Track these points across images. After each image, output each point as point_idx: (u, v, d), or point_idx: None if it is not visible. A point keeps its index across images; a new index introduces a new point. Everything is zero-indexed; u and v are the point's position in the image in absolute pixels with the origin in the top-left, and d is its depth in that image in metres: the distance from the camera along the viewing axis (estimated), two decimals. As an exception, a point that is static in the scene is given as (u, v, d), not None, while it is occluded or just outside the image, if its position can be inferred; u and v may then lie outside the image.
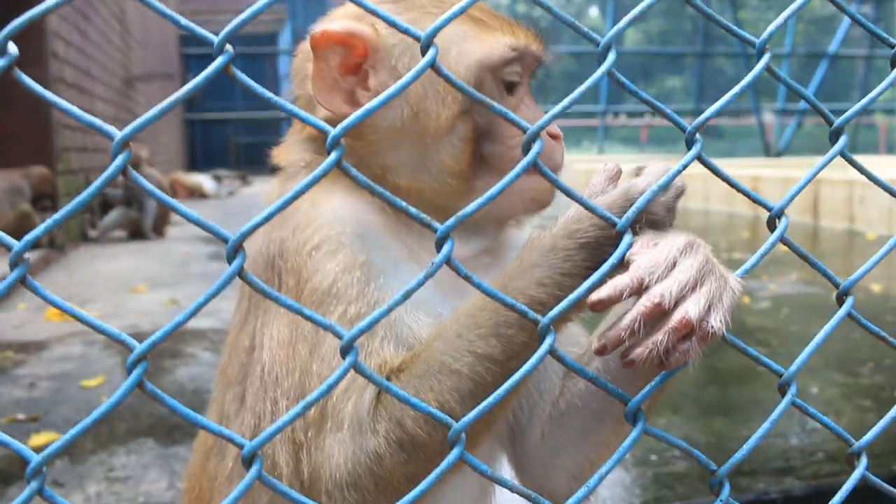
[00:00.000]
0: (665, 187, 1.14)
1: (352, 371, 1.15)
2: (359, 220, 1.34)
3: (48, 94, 0.95)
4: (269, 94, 1.00)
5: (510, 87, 1.42)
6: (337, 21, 1.39)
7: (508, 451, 1.51)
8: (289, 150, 1.53)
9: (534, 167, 1.05)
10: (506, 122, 1.30)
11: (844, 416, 3.54)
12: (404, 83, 1.02)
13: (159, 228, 10.96)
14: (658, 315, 1.06)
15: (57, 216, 0.93)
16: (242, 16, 1.02)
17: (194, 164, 27.70)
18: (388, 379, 1.18)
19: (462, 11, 1.09)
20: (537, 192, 1.41)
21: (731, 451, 3.48)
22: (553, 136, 1.42)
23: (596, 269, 1.08)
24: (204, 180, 18.58)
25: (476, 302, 1.17)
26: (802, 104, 32.43)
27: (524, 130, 1.07)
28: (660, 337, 1.05)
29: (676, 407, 3.71)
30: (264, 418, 1.32)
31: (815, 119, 37.79)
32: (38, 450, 2.58)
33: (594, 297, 1.06)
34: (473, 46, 1.38)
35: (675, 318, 1.05)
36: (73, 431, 1.00)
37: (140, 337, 3.00)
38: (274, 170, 1.58)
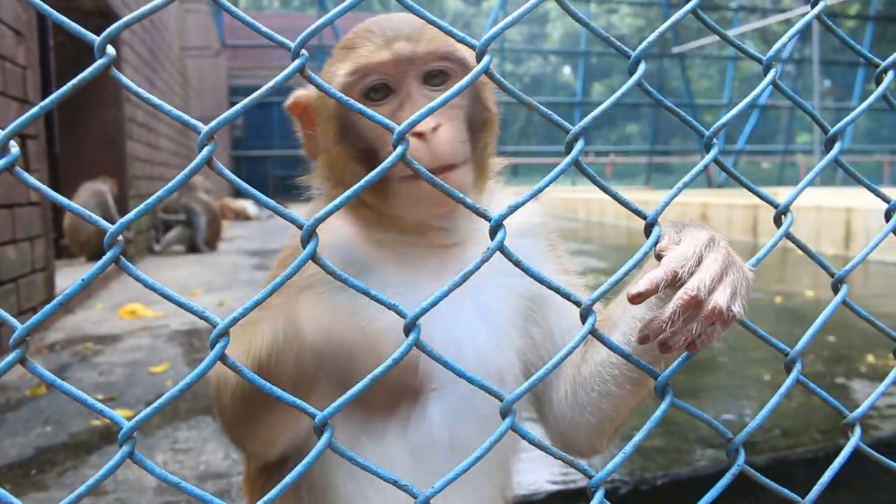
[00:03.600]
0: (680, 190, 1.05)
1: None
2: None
3: (160, 102, 0.86)
4: (376, 114, 0.91)
5: (377, 99, 1.28)
6: (299, 91, 1.40)
7: (536, 408, 1.44)
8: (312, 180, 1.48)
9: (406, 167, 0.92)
10: (377, 139, 1.24)
11: (794, 399, 3.45)
12: (450, 95, 0.92)
13: (212, 243, 10.85)
14: (693, 305, 0.98)
15: (149, 201, 0.84)
16: (319, 22, 0.93)
17: (239, 193, 27.58)
18: None
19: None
20: (422, 197, 1.25)
21: (702, 428, 3.36)
22: (418, 135, 1.20)
23: None
24: (247, 205, 18.50)
25: None
26: (737, 146, 32.57)
27: (391, 130, 0.92)
28: (694, 325, 0.99)
29: (652, 391, 3.64)
30: None
31: (748, 158, 37.94)
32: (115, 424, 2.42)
33: (633, 291, 1.00)
34: (333, 75, 1.30)
35: (708, 308, 0.99)
36: (161, 400, 0.90)
37: (200, 332, 2.90)
38: (304, 198, 1.54)
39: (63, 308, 5.78)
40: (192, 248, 10.65)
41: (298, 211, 1.41)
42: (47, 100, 0.85)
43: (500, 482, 1.45)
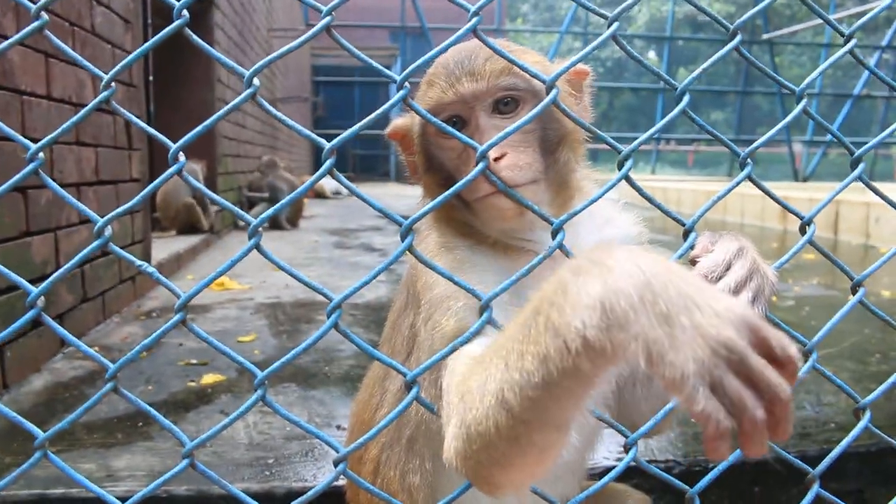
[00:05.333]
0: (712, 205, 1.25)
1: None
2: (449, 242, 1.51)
3: (275, 112, 1.11)
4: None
5: (456, 129, 1.41)
6: (397, 119, 1.60)
7: (615, 400, 1.62)
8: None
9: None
10: (455, 169, 1.41)
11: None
12: (528, 119, 1.15)
13: (294, 220, 11.28)
14: None
15: (286, 200, 1.09)
16: (421, 60, 1.16)
17: (318, 169, 28.22)
18: None
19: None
20: (494, 211, 1.43)
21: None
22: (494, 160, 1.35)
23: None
24: (324, 184, 18.88)
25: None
26: (828, 137, 31.55)
27: (475, 149, 1.19)
28: None
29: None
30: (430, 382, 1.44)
31: (839, 149, 36.70)
32: (209, 386, 2.77)
33: None
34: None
35: None
36: (294, 351, 1.15)
37: (283, 306, 3.28)
38: (383, 175, 1.74)
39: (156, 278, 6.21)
40: (275, 225, 11.09)
41: (380, 191, 1.63)
42: (213, 118, 1.10)
43: (579, 473, 1.68)
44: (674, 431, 3.08)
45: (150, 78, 9.03)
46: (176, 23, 1.09)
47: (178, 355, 4.17)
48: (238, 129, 11.47)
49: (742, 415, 0.81)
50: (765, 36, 30.21)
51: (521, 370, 0.96)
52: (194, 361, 4.04)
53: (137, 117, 5.37)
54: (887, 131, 1.38)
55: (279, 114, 1.09)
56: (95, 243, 1.09)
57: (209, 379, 3.70)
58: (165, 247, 7.34)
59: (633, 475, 2.79)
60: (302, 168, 21.91)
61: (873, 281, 6.84)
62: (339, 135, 1.02)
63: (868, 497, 2.99)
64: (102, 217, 1.14)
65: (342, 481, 2.18)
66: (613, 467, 2.80)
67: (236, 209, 1.12)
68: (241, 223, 11.20)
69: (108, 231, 1.11)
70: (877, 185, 1.38)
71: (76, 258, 1.10)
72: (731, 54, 1.20)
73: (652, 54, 46.60)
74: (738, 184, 1.23)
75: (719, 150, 36.32)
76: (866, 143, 1.39)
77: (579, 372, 0.90)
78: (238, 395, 3.52)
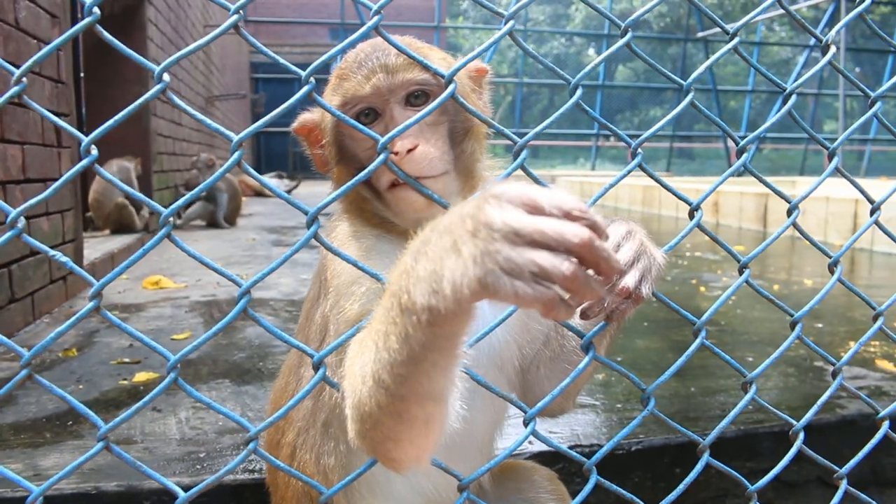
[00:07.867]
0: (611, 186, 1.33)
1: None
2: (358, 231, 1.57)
3: (196, 114, 1.15)
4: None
5: (367, 123, 1.50)
6: (305, 114, 1.65)
7: (519, 381, 1.70)
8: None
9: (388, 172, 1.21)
10: (368, 159, 1.43)
11: (771, 379, 3.69)
12: (429, 110, 1.21)
13: (232, 219, 11.20)
14: (606, 284, 1.25)
15: (191, 195, 1.13)
16: (327, 55, 1.21)
17: (259, 170, 27.96)
18: None
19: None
20: (404, 202, 1.48)
21: (682, 400, 3.58)
22: (395, 153, 1.38)
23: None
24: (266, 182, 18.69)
25: None
26: (759, 132, 32.28)
27: (376, 140, 1.25)
28: (607, 301, 1.25)
29: (644, 370, 3.88)
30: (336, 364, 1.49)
31: (772, 145, 37.81)
32: (141, 384, 2.78)
33: None
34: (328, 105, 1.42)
35: (619, 287, 1.26)
36: (202, 338, 1.19)
37: (219, 304, 3.32)
38: (321, 176, 1.78)
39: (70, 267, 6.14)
40: (213, 224, 11.01)
41: (322, 188, 1.66)
42: (120, 115, 1.14)
43: (487, 453, 1.75)
44: (599, 417, 3.18)
45: (81, 75, 8.88)
46: (86, 20, 1.12)
47: (111, 354, 4.14)
48: (174, 126, 11.33)
49: (553, 276, 0.85)
50: (699, 34, 30.87)
51: (389, 350, 1.01)
52: (127, 360, 4.02)
53: (66, 115, 5.24)
54: (761, 128, 1.48)
55: (189, 109, 1.13)
56: (8, 234, 1.12)
57: (142, 377, 3.69)
58: (99, 247, 7.24)
59: (560, 460, 2.89)
60: (240, 168, 21.63)
61: (797, 271, 7.10)
62: (277, 132, 1.07)
63: (782, 476, 3.14)
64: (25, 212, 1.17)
65: (263, 471, 2.21)
66: (538, 452, 2.89)
67: (148, 200, 1.16)
68: (179, 221, 11.14)
69: (22, 222, 1.13)
70: (806, 178, 1.48)
71: (-13, 248, 1.12)
72: (667, 52, 1.28)
73: (591, 51, 47.24)
74: (629, 172, 1.31)
75: (658, 146, 37.02)
76: (800, 137, 1.50)
77: (435, 340, 0.97)
78: (172, 394, 3.51)
